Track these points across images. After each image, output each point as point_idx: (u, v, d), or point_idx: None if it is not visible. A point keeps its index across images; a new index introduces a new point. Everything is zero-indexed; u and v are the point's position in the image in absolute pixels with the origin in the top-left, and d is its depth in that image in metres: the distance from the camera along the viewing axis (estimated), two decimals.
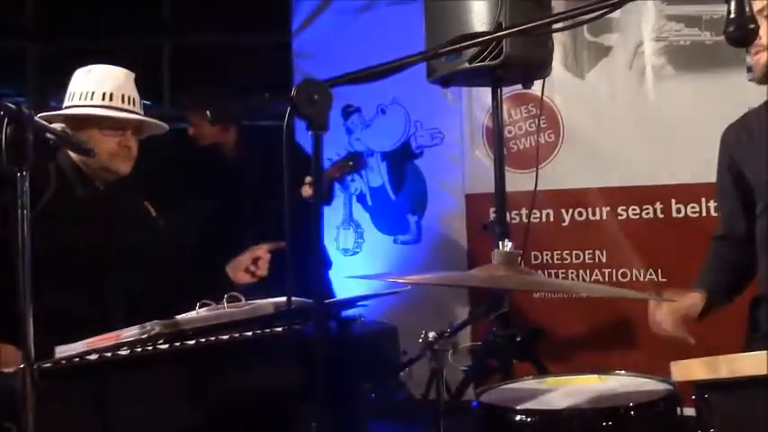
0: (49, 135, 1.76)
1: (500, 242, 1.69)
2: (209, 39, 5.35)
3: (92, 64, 2.56)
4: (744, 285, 2.37)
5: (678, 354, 1.76)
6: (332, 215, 4.74)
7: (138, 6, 5.27)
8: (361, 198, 4.81)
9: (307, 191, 3.34)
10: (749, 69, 2.75)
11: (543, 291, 2.43)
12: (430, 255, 4.65)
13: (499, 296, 1.90)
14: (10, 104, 1.58)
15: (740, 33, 1.43)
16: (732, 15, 1.45)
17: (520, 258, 1.78)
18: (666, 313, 2.22)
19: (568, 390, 1.91)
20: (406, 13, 4.42)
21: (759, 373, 1.53)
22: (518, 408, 1.75)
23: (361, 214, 4.79)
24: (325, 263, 4.28)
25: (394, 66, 1.46)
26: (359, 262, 4.72)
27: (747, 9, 1.43)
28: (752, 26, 1.42)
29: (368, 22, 4.65)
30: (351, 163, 4.07)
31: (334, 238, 4.83)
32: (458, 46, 2.02)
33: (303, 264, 1.34)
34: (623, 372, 1.99)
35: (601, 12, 1.56)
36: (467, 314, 3.82)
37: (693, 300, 2.25)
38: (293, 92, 1.34)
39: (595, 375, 1.99)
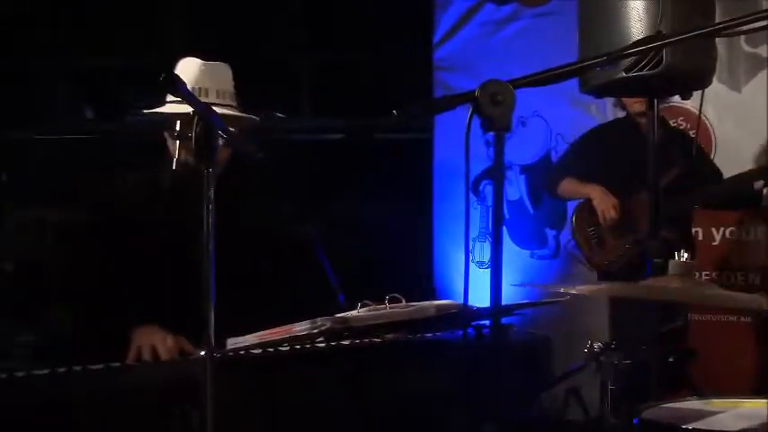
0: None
1: (676, 253, 1.63)
2: (350, 52, 5.44)
3: None
4: None
5: None
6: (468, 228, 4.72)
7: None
8: None
9: None
10: None
11: (725, 306, 2.32)
12: (567, 270, 4.55)
13: (674, 309, 1.83)
14: (199, 102, 1.66)
15: None
16: None
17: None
18: None
19: (739, 412, 1.83)
20: (550, 23, 4.37)
21: None
22: (687, 427, 1.68)
23: None
24: None
25: (576, 67, 1.44)
26: None
27: None
28: None
29: (512, 34, 4.62)
30: None
31: (470, 250, 4.80)
32: (620, 54, 1.99)
33: None
34: None
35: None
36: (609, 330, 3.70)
37: None
38: (476, 92, 1.35)
39: (765, 399, 1.90)
